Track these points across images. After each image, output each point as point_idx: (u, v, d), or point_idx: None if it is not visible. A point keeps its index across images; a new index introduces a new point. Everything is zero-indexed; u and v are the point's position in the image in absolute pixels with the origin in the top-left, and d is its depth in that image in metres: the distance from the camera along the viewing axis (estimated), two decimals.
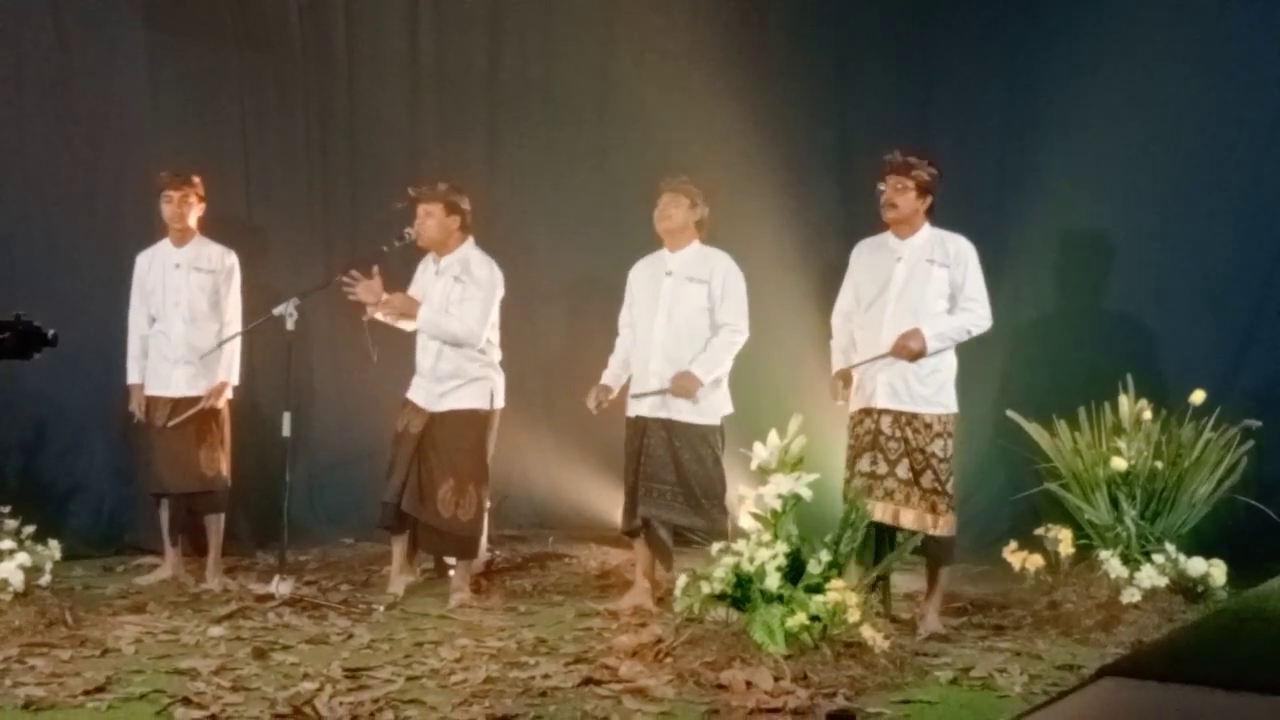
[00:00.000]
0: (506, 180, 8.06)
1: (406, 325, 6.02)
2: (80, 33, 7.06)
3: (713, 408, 5.87)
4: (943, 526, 5.38)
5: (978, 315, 5.43)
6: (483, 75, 8.06)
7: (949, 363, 5.48)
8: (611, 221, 7.74)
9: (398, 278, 6.14)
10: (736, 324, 5.86)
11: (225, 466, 6.38)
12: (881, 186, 5.50)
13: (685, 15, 7.79)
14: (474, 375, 6.00)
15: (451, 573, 6.24)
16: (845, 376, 5.57)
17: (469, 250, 6.07)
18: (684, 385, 5.77)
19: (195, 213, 6.39)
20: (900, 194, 5.44)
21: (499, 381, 6.12)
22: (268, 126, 7.59)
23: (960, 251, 5.45)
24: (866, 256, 5.66)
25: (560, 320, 8.02)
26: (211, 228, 6.50)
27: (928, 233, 5.50)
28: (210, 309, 6.34)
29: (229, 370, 6.36)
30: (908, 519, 5.37)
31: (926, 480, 5.37)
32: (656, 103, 7.89)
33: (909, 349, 5.35)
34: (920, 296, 5.42)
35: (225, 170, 7.10)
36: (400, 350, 6.14)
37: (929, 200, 5.48)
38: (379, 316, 5.96)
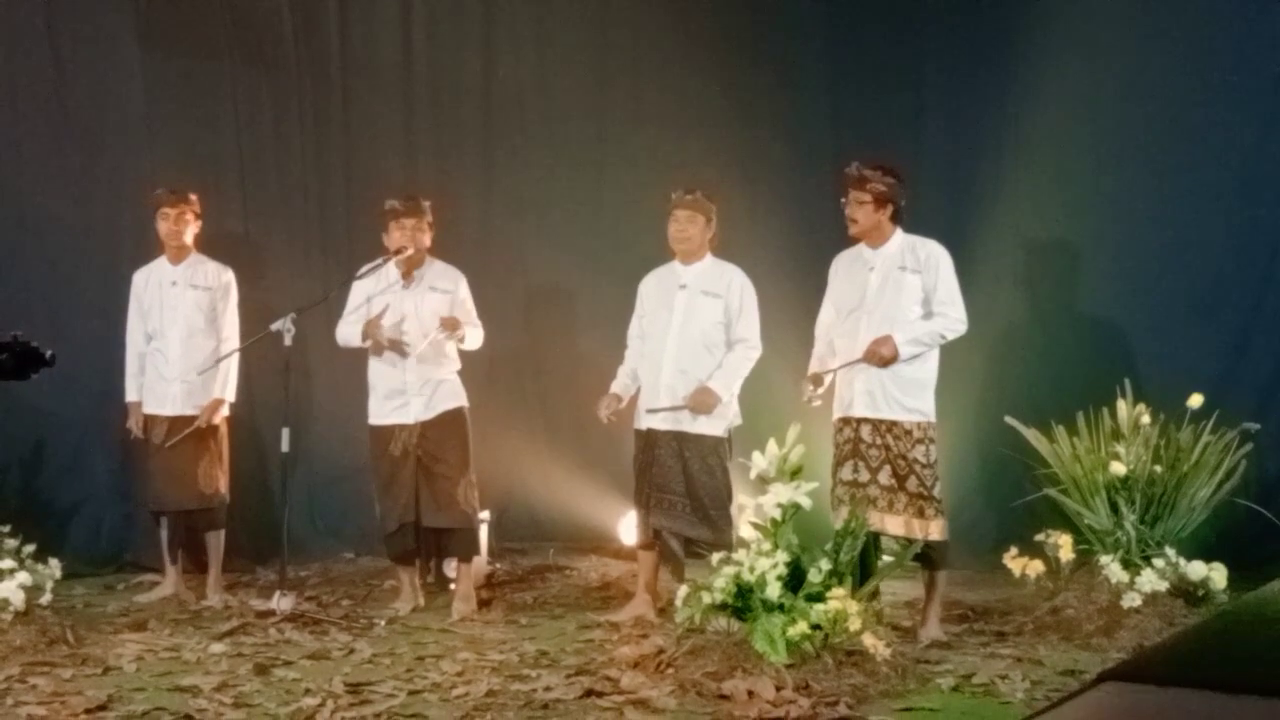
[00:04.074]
0: (503, 190, 8.06)
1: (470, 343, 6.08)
2: (75, 49, 7.07)
3: (723, 419, 5.87)
4: (934, 531, 5.36)
5: (951, 319, 5.41)
6: (478, 85, 8.05)
7: (929, 370, 5.47)
8: (610, 231, 7.75)
9: None
10: (752, 340, 5.88)
11: (224, 484, 6.38)
12: (844, 200, 5.52)
13: (680, 22, 7.79)
14: (448, 377, 6.09)
15: (452, 586, 6.24)
16: (815, 379, 5.59)
17: (433, 260, 6.15)
18: (703, 401, 5.77)
19: (192, 230, 6.39)
20: (858, 208, 5.45)
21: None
22: (263, 140, 7.59)
23: (931, 256, 5.44)
24: (843, 268, 5.68)
25: (559, 331, 8.00)
26: (207, 243, 6.51)
27: (899, 240, 5.50)
28: (207, 326, 6.34)
29: (224, 387, 6.34)
30: (894, 525, 5.36)
31: (911, 485, 5.35)
32: (653, 111, 7.91)
33: (880, 355, 5.35)
34: (895, 304, 5.42)
35: (221, 185, 7.10)
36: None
37: (890, 210, 5.45)
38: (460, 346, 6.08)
